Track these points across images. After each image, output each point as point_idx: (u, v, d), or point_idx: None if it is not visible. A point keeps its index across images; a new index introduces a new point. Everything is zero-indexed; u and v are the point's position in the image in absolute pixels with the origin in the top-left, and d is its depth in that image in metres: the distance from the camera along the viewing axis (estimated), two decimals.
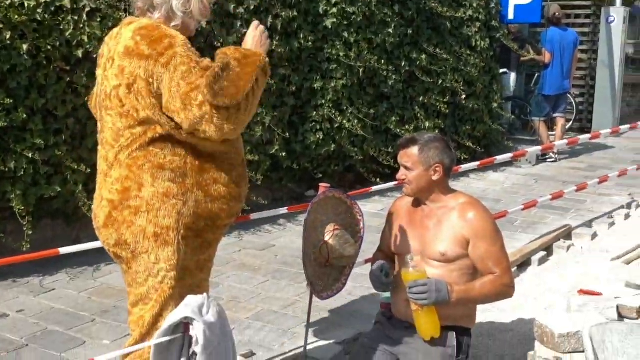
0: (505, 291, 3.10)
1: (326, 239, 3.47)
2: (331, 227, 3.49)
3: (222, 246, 5.45)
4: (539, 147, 6.95)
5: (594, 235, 6.00)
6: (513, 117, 9.69)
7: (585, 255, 5.53)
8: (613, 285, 4.25)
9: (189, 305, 1.80)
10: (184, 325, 1.80)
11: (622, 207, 6.85)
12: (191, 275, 2.58)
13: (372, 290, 4.50)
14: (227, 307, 4.31)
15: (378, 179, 6.93)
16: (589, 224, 6.32)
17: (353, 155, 6.85)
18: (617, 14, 10.95)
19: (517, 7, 8.94)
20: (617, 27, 10.92)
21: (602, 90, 11.02)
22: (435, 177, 3.10)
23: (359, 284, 4.54)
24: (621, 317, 3.69)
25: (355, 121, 6.73)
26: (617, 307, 3.65)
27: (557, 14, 8.97)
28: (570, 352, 3.19)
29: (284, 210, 3.83)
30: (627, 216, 6.62)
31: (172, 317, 1.79)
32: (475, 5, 8.21)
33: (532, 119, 9.19)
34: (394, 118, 7.25)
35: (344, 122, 6.63)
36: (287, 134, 6.19)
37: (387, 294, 3.56)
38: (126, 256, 2.47)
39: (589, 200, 7.03)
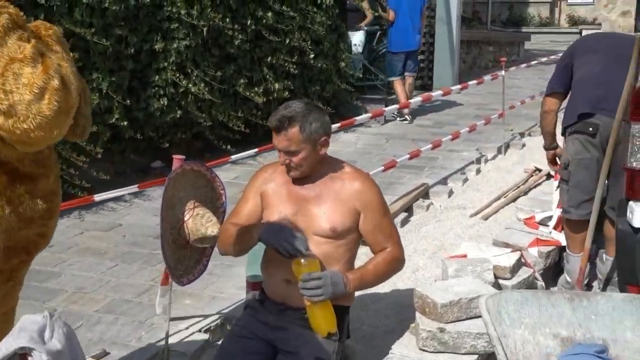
0: (397, 267, 2.90)
1: (185, 218, 3.07)
2: (191, 204, 3.10)
3: (62, 229, 4.89)
4: (396, 106, 6.82)
5: (450, 193, 6.01)
6: (360, 75, 9.56)
7: (445, 214, 5.50)
8: (477, 244, 4.19)
9: (26, 329, 1.35)
10: (20, 356, 1.36)
11: (473, 162, 6.93)
12: None
13: (234, 266, 4.18)
14: (72, 300, 3.81)
15: (229, 146, 6.54)
16: (444, 181, 6.32)
17: (201, 122, 6.40)
18: None
19: None
20: None
21: (441, 48, 11.18)
22: (323, 151, 2.78)
23: (218, 262, 4.15)
24: (496, 277, 3.62)
25: (202, 85, 6.27)
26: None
27: None
28: (453, 322, 3.04)
29: (134, 189, 3.36)
30: (478, 171, 6.71)
31: (3, 347, 1.35)
32: None
33: (388, 79, 9.08)
34: (242, 80, 6.84)
35: (190, 86, 6.15)
36: (128, 101, 5.62)
37: (255, 272, 3.23)
38: None
39: (441, 157, 7.05)
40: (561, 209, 4.08)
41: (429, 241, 4.85)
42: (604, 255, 4.05)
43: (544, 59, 10.50)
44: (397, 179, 6.26)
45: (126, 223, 5.11)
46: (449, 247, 4.66)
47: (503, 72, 7.42)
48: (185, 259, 3.22)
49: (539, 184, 6.12)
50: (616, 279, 3.99)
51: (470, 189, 6.18)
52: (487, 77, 7.45)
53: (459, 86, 6.92)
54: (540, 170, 6.30)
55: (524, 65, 9.84)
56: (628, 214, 2.89)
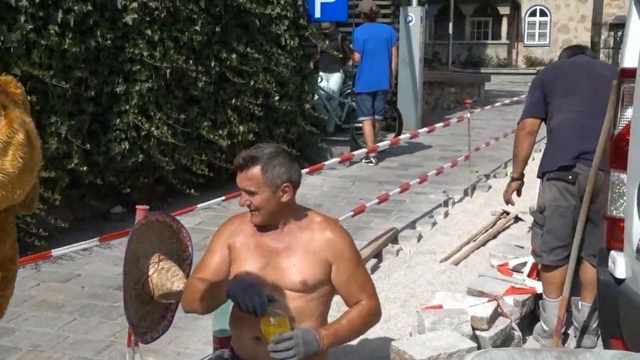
0: (374, 320, 2.76)
1: (150, 272, 2.90)
2: (156, 257, 2.94)
3: (17, 281, 4.62)
4: (364, 150, 6.72)
5: (420, 237, 5.91)
6: (325, 117, 9.47)
7: (415, 259, 5.40)
8: (453, 293, 4.07)
9: None
10: None
11: (440, 205, 6.86)
12: None
13: (200, 319, 3.99)
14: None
15: (192, 190, 6.37)
16: (412, 225, 6.22)
17: (164, 166, 6.22)
18: (415, 14, 11.20)
19: (323, 5, 8.74)
20: (416, 26, 11.16)
21: (404, 90, 11.21)
22: (285, 199, 2.64)
23: (183, 314, 3.93)
24: (473, 329, 3.50)
25: (165, 128, 6.10)
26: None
27: (373, 7, 8.85)
28: None
29: (95, 242, 3.18)
30: (446, 214, 6.64)
31: None
32: (282, 2, 7.86)
33: (359, 119, 9.01)
34: (205, 123, 6.70)
35: (152, 129, 5.98)
36: (88, 145, 5.43)
37: (222, 327, 3.07)
38: None
39: (408, 200, 6.96)
40: (532, 253, 4.00)
41: (399, 289, 4.72)
42: (579, 302, 3.98)
43: (507, 101, 10.59)
44: (365, 223, 6.14)
45: (85, 273, 4.88)
46: (420, 295, 4.55)
47: (468, 114, 7.42)
48: (149, 315, 3.04)
49: (508, 227, 6.08)
50: (593, 327, 3.93)
51: (439, 232, 6.10)
52: (453, 120, 7.43)
53: (426, 129, 6.88)
54: (508, 214, 6.26)
55: (488, 107, 9.90)
56: (610, 264, 2.81)
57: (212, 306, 2.71)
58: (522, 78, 26.71)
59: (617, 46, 25.29)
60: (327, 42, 9.35)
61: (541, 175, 3.85)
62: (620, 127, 2.73)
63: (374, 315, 2.74)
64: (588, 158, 3.51)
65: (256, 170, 2.60)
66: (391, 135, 7.12)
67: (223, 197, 4.27)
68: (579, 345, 3.94)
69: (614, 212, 2.81)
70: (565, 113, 3.76)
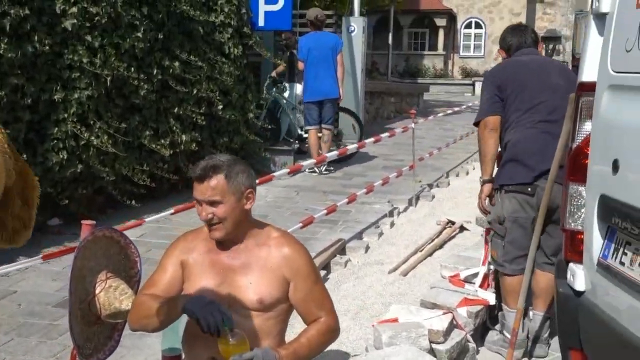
0: (333, 337, 2.68)
1: (97, 291, 2.75)
2: (103, 275, 2.79)
3: None
4: (313, 160, 6.63)
5: (367, 248, 5.87)
6: (269, 126, 9.33)
7: (363, 270, 5.36)
8: (407, 306, 4.02)
9: None
10: None
11: (386, 215, 6.84)
12: None
13: (147, 336, 3.83)
14: None
15: (133, 201, 6.18)
16: (359, 235, 6.18)
17: (104, 176, 6.00)
18: (357, 24, 11.22)
19: (267, 13, 8.66)
20: (358, 36, 11.19)
21: (347, 99, 11.16)
22: (248, 205, 2.57)
23: (128, 332, 3.77)
24: (430, 342, 3.46)
25: (105, 137, 5.89)
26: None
27: (319, 15, 8.80)
28: None
29: (38, 260, 3.00)
30: (392, 224, 6.63)
31: None
32: (226, 10, 7.73)
33: (305, 128, 8.92)
34: (147, 132, 6.51)
35: (92, 138, 5.76)
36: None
37: (172, 345, 2.93)
38: None
39: (354, 210, 6.92)
40: (493, 262, 3.99)
41: (349, 301, 4.66)
42: (531, 312, 3.99)
43: (449, 111, 10.70)
44: (312, 234, 6.06)
45: (21, 290, 4.64)
46: (370, 307, 4.51)
47: (413, 124, 7.44)
48: (95, 336, 2.89)
49: (453, 237, 6.10)
50: (544, 336, 3.95)
51: (386, 243, 6.07)
52: (397, 130, 7.44)
53: (372, 139, 6.86)
54: (453, 223, 6.29)
55: (431, 117, 9.98)
56: (569, 277, 2.80)
57: (165, 323, 2.58)
58: (458, 88, 27.25)
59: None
60: (286, 53, 9.28)
61: (498, 187, 3.85)
62: (578, 141, 2.72)
63: (333, 333, 2.67)
64: (548, 173, 3.53)
65: (220, 178, 2.51)
66: (351, 147, 7.05)
67: (172, 210, 4.12)
68: (530, 355, 3.96)
69: (572, 224, 2.81)
70: (523, 129, 3.76)
